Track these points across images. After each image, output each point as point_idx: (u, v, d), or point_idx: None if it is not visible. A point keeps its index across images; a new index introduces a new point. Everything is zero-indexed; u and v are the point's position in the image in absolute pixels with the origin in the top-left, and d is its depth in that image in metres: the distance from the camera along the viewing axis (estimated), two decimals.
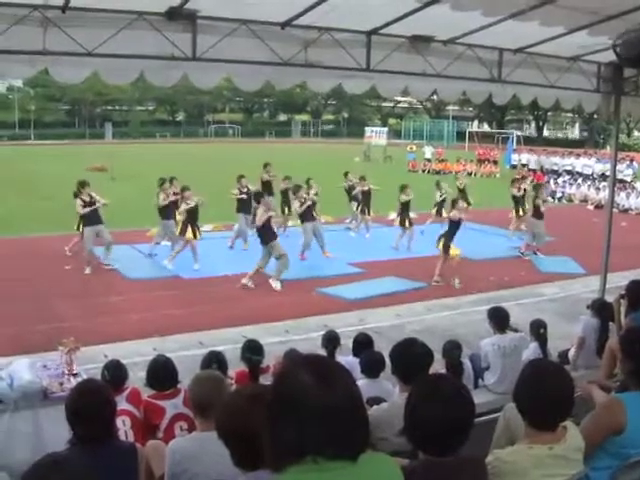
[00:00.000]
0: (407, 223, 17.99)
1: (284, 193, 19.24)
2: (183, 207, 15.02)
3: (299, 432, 1.92)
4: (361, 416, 2.05)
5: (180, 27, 6.68)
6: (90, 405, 3.45)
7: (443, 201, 19.94)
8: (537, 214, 17.69)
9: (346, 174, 21.63)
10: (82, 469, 2.38)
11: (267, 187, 19.15)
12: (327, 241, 16.87)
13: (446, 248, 14.29)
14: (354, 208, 20.77)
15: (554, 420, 3.10)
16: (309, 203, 16.16)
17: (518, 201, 19.83)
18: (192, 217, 15.13)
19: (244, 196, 17.32)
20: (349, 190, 21.12)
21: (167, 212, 16.18)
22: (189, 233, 15.04)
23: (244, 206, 17.24)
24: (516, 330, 7.58)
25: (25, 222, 20.36)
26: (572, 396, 3.14)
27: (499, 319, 7.24)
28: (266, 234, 13.74)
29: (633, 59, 7.62)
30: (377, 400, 5.14)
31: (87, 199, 14.80)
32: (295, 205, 16.37)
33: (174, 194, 16.08)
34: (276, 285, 13.66)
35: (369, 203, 20.13)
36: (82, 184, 15.03)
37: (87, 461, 2.58)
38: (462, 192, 20.96)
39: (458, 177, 22.29)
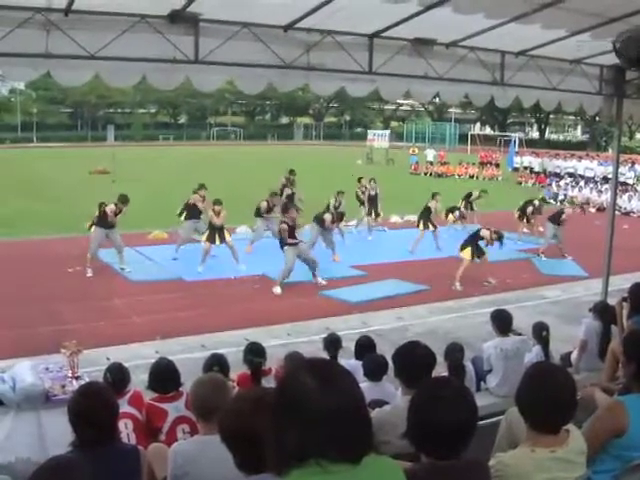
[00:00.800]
0: (430, 225, 18.29)
1: (289, 197, 19.81)
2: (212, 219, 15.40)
3: (303, 435, 1.92)
4: (364, 418, 2.06)
5: (182, 30, 6.68)
6: (92, 408, 3.45)
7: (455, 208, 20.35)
8: (555, 219, 17.96)
9: (360, 180, 21.71)
10: (85, 472, 2.38)
11: (291, 197, 19.96)
12: None
13: (480, 254, 14.51)
14: (363, 212, 20.90)
15: (557, 423, 3.10)
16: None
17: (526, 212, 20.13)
18: (215, 227, 15.42)
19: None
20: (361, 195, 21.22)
21: (188, 214, 16.81)
22: (204, 236, 15.40)
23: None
24: (519, 333, 7.57)
25: (28, 224, 20.37)
26: (575, 399, 3.14)
27: (502, 322, 7.23)
28: (282, 240, 14.12)
29: (634, 59, 7.61)
30: (379, 403, 5.13)
31: (118, 211, 15.08)
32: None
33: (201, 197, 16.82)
34: (276, 290, 13.67)
35: (377, 205, 20.33)
36: (124, 199, 15.32)
37: (89, 464, 2.58)
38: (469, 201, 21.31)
39: (474, 193, 22.29)
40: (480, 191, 21.94)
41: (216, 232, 15.33)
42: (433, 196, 18.61)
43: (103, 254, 15.57)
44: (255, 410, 2.66)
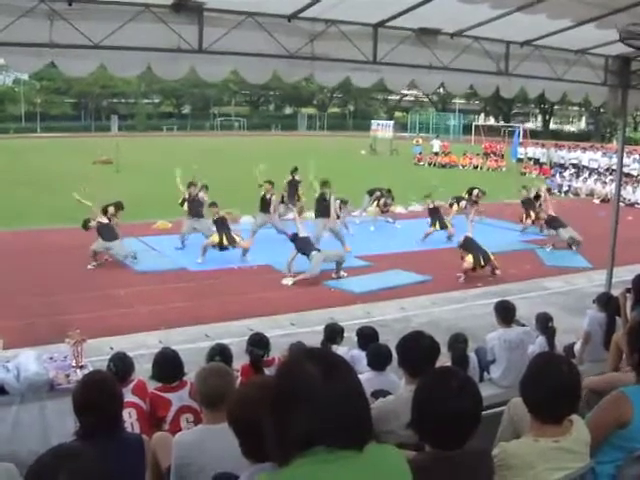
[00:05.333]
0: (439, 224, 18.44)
1: (290, 184, 20.16)
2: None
3: (306, 424, 1.93)
4: (364, 407, 2.08)
5: (186, 19, 6.66)
6: (97, 397, 3.46)
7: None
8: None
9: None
10: (90, 461, 2.39)
11: (294, 188, 20.21)
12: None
13: (485, 259, 14.47)
14: (367, 202, 21.02)
15: (560, 413, 3.10)
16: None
17: (530, 206, 20.08)
18: (223, 225, 15.53)
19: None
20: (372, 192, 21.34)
21: (189, 210, 16.92)
22: (214, 238, 15.30)
23: (265, 206, 17.59)
24: (523, 324, 7.57)
25: (31, 215, 20.39)
26: (579, 390, 3.15)
27: (505, 313, 7.24)
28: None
29: None
30: (382, 393, 5.14)
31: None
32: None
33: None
34: (287, 282, 13.73)
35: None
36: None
37: (94, 453, 2.59)
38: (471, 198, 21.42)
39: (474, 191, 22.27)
40: (480, 191, 21.94)
41: (224, 234, 15.30)
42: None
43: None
44: (263, 398, 2.66)
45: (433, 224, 18.24)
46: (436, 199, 18.94)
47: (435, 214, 18.46)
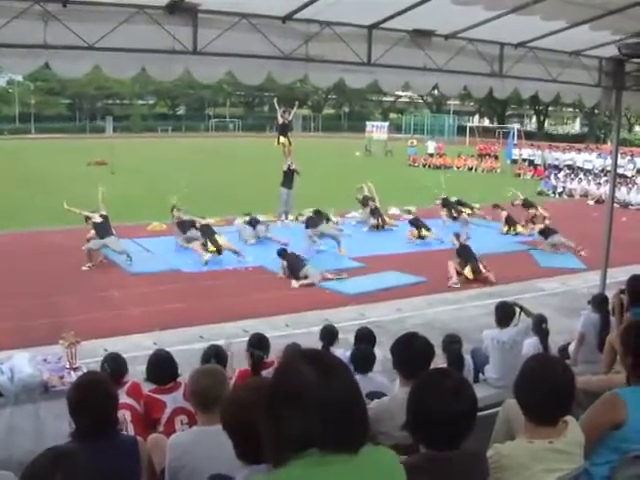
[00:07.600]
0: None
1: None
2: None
3: (302, 426, 1.93)
4: (361, 409, 2.07)
5: (181, 21, 6.65)
6: (92, 398, 3.45)
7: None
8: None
9: (360, 188, 21.82)
10: (85, 462, 2.38)
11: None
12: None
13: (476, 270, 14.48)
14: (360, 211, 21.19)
15: (554, 415, 3.11)
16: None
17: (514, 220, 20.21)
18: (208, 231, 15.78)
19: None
20: (363, 201, 21.32)
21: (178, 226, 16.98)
22: (211, 247, 15.38)
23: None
24: (528, 313, 7.55)
25: (26, 216, 20.33)
26: (573, 391, 3.14)
27: (502, 315, 7.28)
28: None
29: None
30: (377, 394, 5.14)
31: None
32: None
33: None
34: (294, 284, 13.76)
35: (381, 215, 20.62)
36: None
37: (89, 455, 2.59)
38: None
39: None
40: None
41: (209, 239, 15.44)
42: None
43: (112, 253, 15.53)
44: (256, 400, 2.66)
45: (418, 228, 18.27)
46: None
47: (416, 222, 18.53)
